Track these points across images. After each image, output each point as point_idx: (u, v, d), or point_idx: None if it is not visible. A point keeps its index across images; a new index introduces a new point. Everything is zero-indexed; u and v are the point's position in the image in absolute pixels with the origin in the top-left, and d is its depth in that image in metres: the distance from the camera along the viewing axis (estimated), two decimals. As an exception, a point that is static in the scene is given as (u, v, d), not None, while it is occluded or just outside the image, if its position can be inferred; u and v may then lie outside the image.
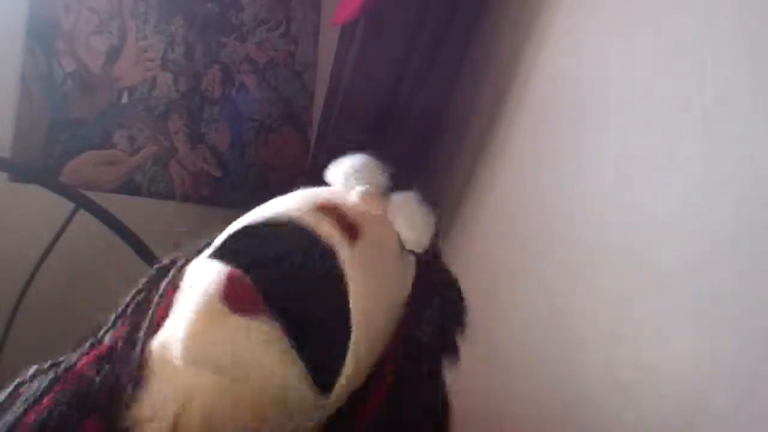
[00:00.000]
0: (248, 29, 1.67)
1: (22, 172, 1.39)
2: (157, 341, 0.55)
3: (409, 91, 1.22)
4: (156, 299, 0.59)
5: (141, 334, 0.56)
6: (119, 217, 1.26)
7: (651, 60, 0.86)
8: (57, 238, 1.26)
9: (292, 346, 0.51)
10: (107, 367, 0.55)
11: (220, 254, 0.56)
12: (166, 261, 0.62)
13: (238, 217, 0.61)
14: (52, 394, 0.54)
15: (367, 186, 0.60)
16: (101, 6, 1.53)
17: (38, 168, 1.43)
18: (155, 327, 0.56)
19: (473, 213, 1.16)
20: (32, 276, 1.26)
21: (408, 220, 0.59)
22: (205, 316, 0.52)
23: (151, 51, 1.57)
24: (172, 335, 0.53)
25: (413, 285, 0.58)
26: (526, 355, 0.94)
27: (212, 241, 0.60)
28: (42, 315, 1.29)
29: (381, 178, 0.60)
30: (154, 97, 1.57)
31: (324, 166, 0.65)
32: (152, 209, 1.55)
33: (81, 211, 1.25)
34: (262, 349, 0.51)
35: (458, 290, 0.62)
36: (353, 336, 0.53)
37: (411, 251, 0.60)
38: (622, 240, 0.85)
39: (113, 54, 1.54)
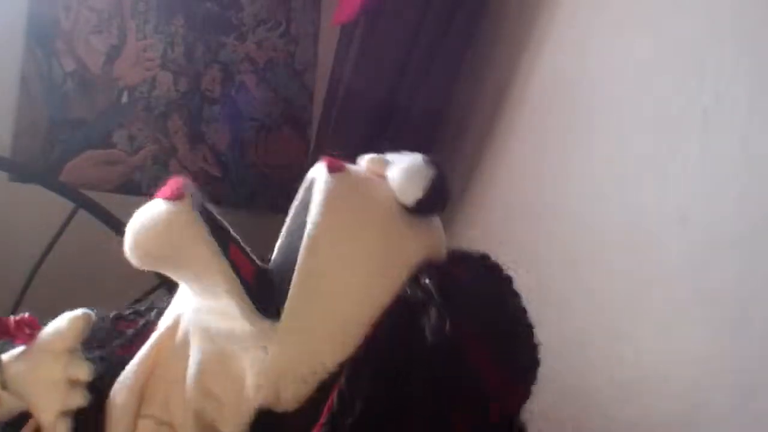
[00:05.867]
0: (248, 29, 1.67)
1: (22, 171, 1.39)
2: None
3: (410, 90, 1.22)
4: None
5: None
6: (119, 217, 1.26)
7: (651, 60, 0.86)
8: (57, 238, 1.26)
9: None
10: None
11: None
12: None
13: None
14: None
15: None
16: (101, 6, 1.53)
17: (38, 168, 1.43)
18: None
19: (473, 213, 1.16)
20: (32, 276, 1.25)
21: (399, 169, 0.54)
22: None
23: (150, 51, 1.57)
24: None
25: (409, 284, 0.51)
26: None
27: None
28: (42, 315, 1.28)
29: None
30: (153, 96, 1.57)
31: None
32: (152, 209, 1.55)
33: (81, 211, 1.25)
34: (187, 231, 0.53)
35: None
36: (300, 261, 0.51)
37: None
38: (622, 240, 0.85)
39: (113, 54, 1.54)
